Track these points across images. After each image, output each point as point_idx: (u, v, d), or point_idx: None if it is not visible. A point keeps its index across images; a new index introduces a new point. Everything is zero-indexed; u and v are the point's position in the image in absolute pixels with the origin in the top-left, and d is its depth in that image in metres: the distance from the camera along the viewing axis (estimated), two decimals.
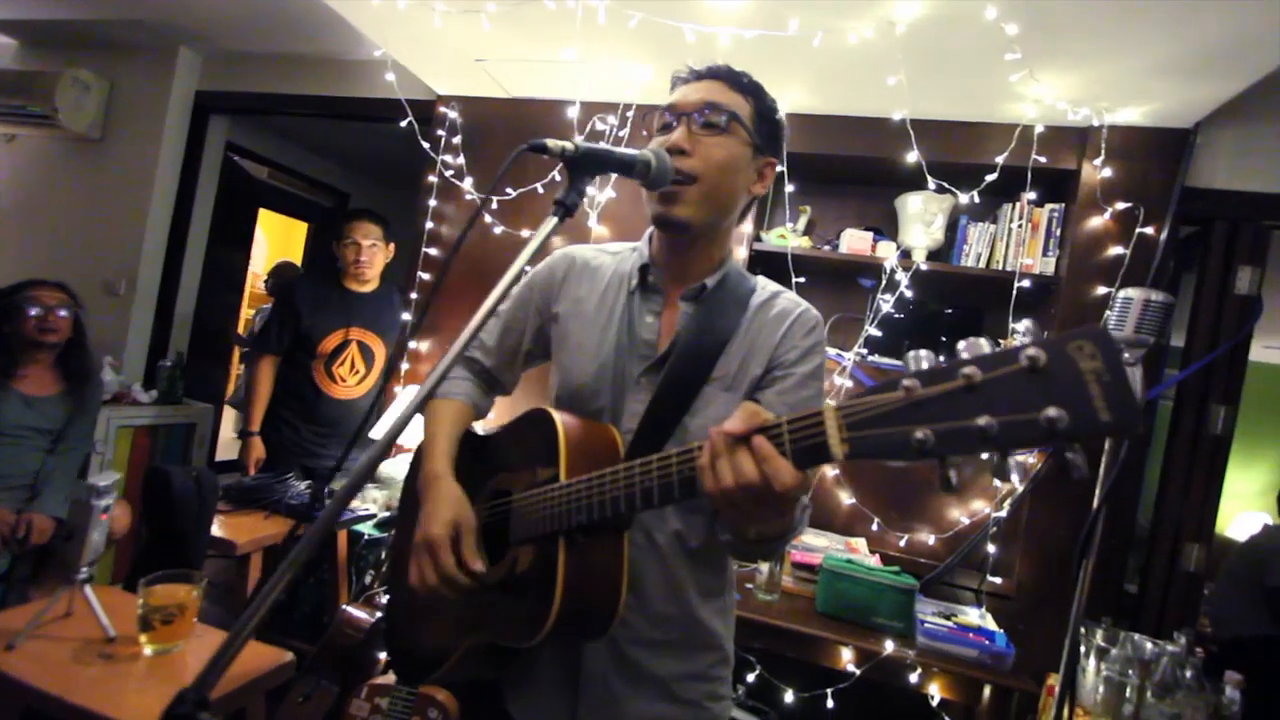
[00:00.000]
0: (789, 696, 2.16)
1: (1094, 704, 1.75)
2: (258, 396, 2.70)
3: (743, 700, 2.24)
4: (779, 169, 1.04)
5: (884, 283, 2.37)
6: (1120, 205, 2.18)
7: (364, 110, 3.17)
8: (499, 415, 1.90)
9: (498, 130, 2.82)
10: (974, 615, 2.08)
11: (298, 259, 5.33)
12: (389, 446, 0.65)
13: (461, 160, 2.81)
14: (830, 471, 2.47)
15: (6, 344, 2.24)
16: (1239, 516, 4.27)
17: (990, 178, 2.23)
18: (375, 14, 2.24)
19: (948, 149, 2.31)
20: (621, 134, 2.59)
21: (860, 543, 2.33)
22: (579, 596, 0.81)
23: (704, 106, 0.93)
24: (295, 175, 4.75)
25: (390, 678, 1.79)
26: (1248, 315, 2.22)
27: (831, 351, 2.41)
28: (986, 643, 1.89)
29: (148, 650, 1.47)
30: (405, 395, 2.71)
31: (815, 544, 2.27)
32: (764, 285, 1.04)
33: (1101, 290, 2.18)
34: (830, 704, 2.08)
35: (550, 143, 0.76)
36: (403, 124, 2.79)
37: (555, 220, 0.77)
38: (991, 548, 2.25)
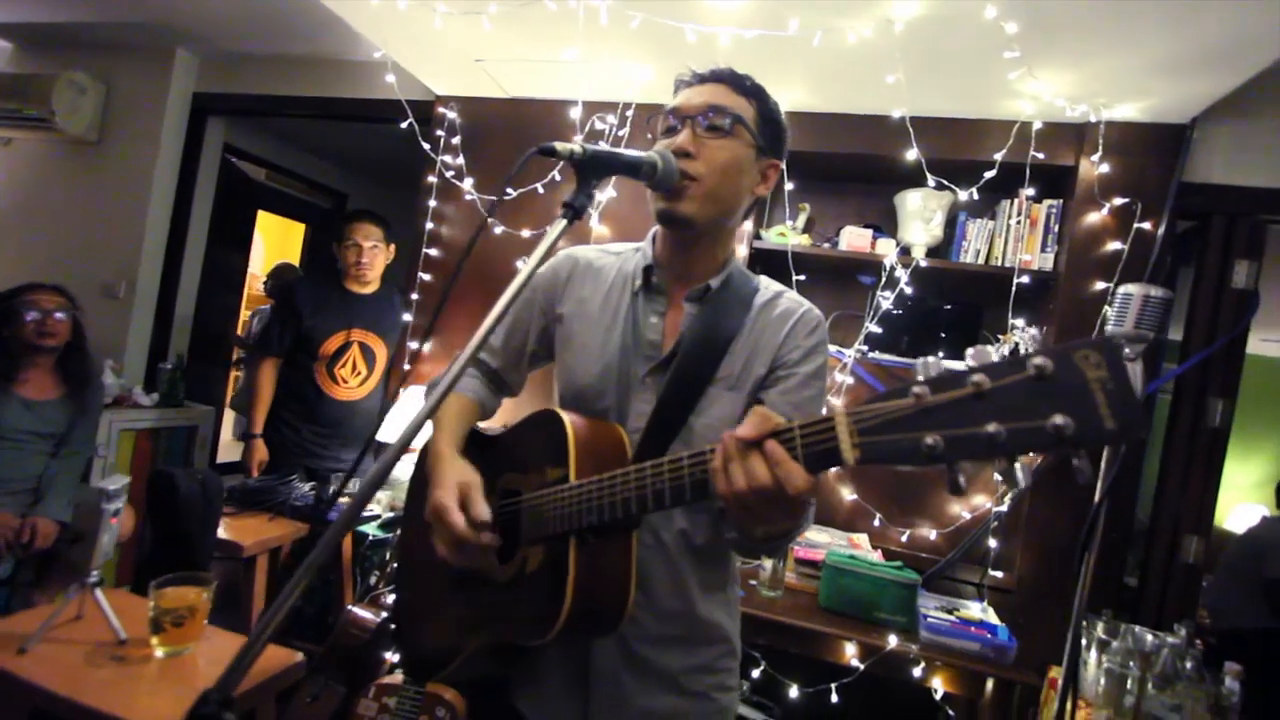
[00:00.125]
0: (793, 692, 2.18)
1: (1095, 696, 1.77)
2: (259, 399, 2.71)
3: (747, 696, 2.25)
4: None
5: (883, 280, 2.38)
6: (1118, 201, 2.19)
7: (362, 111, 3.17)
8: (503, 417, 1.91)
9: (497, 130, 2.83)
10: (976, 609, 2.10)
11: (295, 260, 5.33)
12: (402, 451, 0.66)
13: (461, 161, 2.82)
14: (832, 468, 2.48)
15: (6, 348, 2.24)
16: (1236, 508, 4.30)
17: (989, 174, 2.24)
18: (374, 15, 2.25)
19: (946, 146, 2.32)
20: (621, 133, 2.60)
21: (862, 538, 2.35)
22: (589, 595, 0.82)
23: (708, 109, 0.94)
24: (293, 176, 4.74)
25: (397, 677, 1.81)
26: (1245, 309, 2.23)
27: (832, 349, 2.42)
28: (989, 636, 1.91)
29: (159, 652, 1.49)
30: (408, 396, 2.72)
31: (818, 540, 2.29)
32: (767, 285, 1.05)
33: (1100, 285, 2.19)
34: (834, 699, 2.10)
35: (559, 146, 0.77)
36: (403, 125, 2.79)
37: (564, 223, 0.78)
38: (993, 542, 2.27)
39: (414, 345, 2.86)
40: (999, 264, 2.33)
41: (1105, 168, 2.20)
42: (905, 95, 2.14)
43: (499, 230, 2.74)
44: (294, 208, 5.16)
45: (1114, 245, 2.19)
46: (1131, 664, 1.74)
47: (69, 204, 3.44)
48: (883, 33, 1.87)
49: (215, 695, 0.50)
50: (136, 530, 2.47)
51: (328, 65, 3.21)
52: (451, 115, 2.84)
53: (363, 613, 2.02)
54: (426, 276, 2.86)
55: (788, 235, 2.47)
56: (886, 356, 2.44)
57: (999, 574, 2.26)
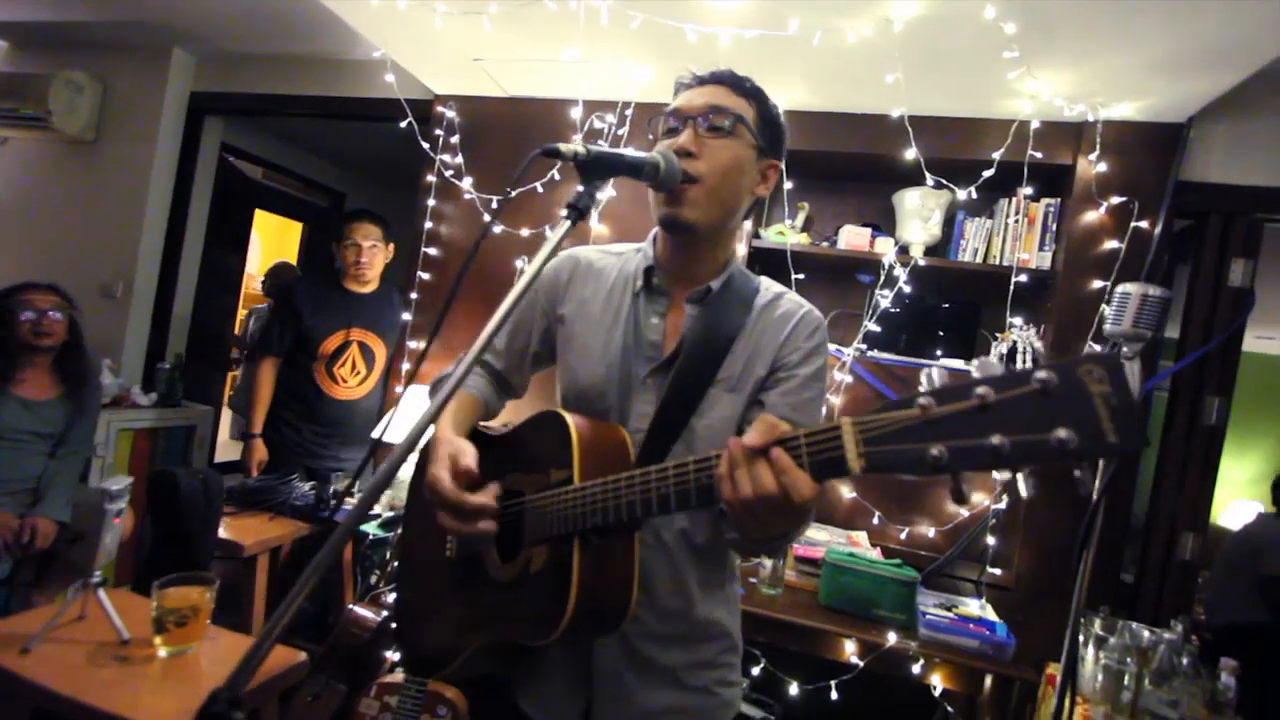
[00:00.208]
0: (793, 689, 2.19)
1: (1093, 692, 1.79)
2: (259, 398, 2.71)
3: (747, 693, 2.27)
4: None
5: (882, 278, 2.39)
6: (1115, 199, 2.20)
7: (361, 110, 3.16)
8: (506, 417, 1.91)
9: (496, 129, 2.82)
10: (974, 606, 2.12)
11: (293, 259, 5.32)
12: (409, 451, 0.66)
13: (460, 160, 2.81)
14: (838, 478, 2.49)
15: (3, 348, 2.23)
16: (1232, 505, 4.33)
17: (987, 173, 2.25)
18: (374, 14, 2.24)
19: (945, 145, 2.32)
20: (620, 132, 2.60)
21: (861, 536, 2.36)
22: (593, 595, 0.83)
23: (709, 110, 0.95)
24: (290, 175, 4.73)
25: (398, 676, 1.82)
26: (1241, 307, 2.25)
27: (831, 347, 2.42)
28: (987, 633, 1.93)
29: (162, 652, 1.49)
30: (408, 395, 2.72)
31: (817, 538, 2.30)
32: (768, 286, 1.06)
33: (1097, 284, 2.20)
34: (834, 695, 2.11)
35: (563, 147, 0.78)
36: (402, 124, 2.78)
37: (568, 224, 0.78)
38: (991, 540, 2.28)
39: (413, 344, 2.86)
40: (997, 263, 2.34)
41: (1103, 167, 2.21)
42: (904, 95, 2.14)
43: (499, 229, 2.75)
44: (291, 207, 5.14)
45: (1111, 244, 2.20)
46: (1128, 660, 1.75)
47: (66, 204, 3.43)
48: (882, 32, 1.88)
49: (224, 694, 0.51)
50: (135, 530, 2.48)
51: (325, 64, 3.20)
52: (450, 114, 2.84)
53: (363, 612, 2.03)
54: (425, 275, 2.86)
55: (786, 234, 2.47)
56: (885, 355, 2.45)
57: (997, 571, 2.27)
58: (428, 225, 2.86)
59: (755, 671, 2.24)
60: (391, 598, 2.24)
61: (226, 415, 4.68)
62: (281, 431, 2.73)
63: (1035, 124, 2.25)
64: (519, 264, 2.74)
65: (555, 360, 1.11)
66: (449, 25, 2.18)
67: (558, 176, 2.71)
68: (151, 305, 3.43)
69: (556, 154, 0.77)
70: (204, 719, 0.50)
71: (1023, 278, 2.27)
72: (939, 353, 2.50)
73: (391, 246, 2.83)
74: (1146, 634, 1.82)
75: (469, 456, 0.88)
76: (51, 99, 3.16)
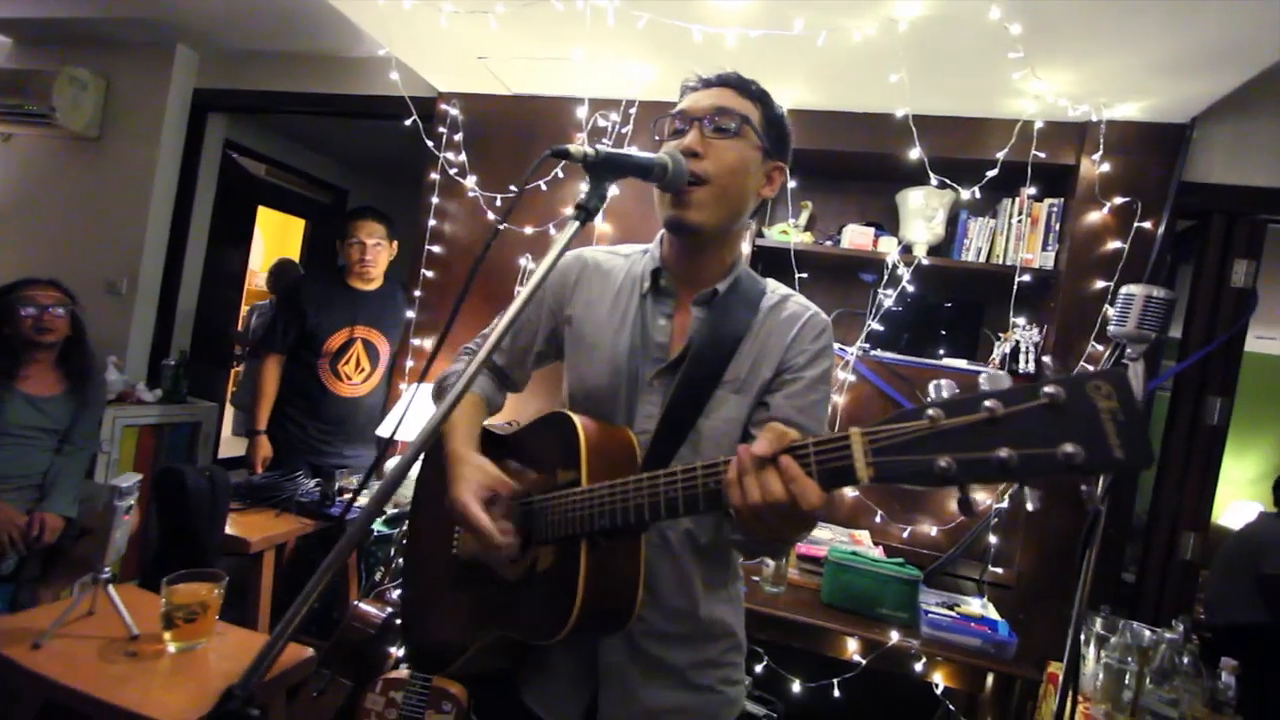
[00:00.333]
0: (796, 687, 2.21)
1: (1094, 690, 1.80)
2: (264, 395, 2.72)
3: (750, 691, 2.28)
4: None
5: (885, 278, 2.40)
6: (1118, 200, 2.21)
7: (364, 108, 3.16)
8: (508, 415, 1.92)
9: (500, 127, 2.83)
10: (976, 605, 2.13)
11: (295, 256, 5.32)
12: (417, 455, 0.67)
13: (463, 158, 2.82)
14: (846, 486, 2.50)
15: (6, 345, 2.24)
16: (1233, 505, 4.33)
17: (991, 173, 2.25)
18: (379, 13, 2.24)
19: (949, 145, 2.32)
20: (624, 131, 2.60)
21: (864, 535, 2.37)
22: (600, 596, 0.83)
23: (715, 112, 0.95)
24: (293, 172, 4.73)
25: (403, 672, 1.83)
26: (1244, 308, 2.25)
27: (834, 346, 2.43)
28: (989, 632, 1.94)
29: (171, 648, 1.51)
30: (411, 392, 2.73)
31: (820, 536, 2.31)
32: (774, 288, 1.07)
33: (1100, 284, 2.21)
34: (837, 693, 2.12)
35: (573, 148, 0.78)
36: (407, 122, 2.79)
37: (576, 225, 0.79)
38: (993, 538, 2.29)
39: (416, 342, 2.87)
40: (1000, 262, 2.34)
41: (1106, 167, 2.21)
42: (908, 94, 2.14)
43: (502, 227, 2.75)
44: (294, 204, 5.14)
45: (1114, 244, 2.21)
46: (1129, 659, 1.76)
47: (70, 200, 3.44)
48: (887, 32, 1.88)
49: (240, 691, 0.52)
50: (140, 526, 2.49)
51: (329, 61, 3.20)
52: (454, 112, 2.84)
53: (368, 608, 2.05)
54: (429, 273, 2.87)
55: (790, 233, 2.48)
56: (888, 354, 2.45)
57: (999, 570, 2.28)
58: (431, 223, 2.86)
59: (758, 669, 2.25)
60: (396, 594, 2.25)
61: (230, 411, 4.69)
62: (286, 428, 2.74)
63: (1039, 124, 2.25)
64: (523, 262, 2.75)
65: (560, 358, 1.11)
66: (454, 24, 2.18)
67: (561, 175, 2.71)
68: (156, 301, 3.44)
69: (566, 155, 0.78)
70: (220, 716, 0.51)
71: (1026, 277, 2.27)
72: (942, 352, 2.51)
73: (395, 244, 2.84)
74: (1147, 633, 1.84)
75: (496, 484, 0.90)
76: (56, 96, 3.17)
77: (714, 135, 0.95)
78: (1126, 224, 2.20)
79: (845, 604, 2.07)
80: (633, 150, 0.87)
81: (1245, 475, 4.44)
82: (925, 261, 2.34)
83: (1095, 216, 2.23)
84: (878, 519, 2.43)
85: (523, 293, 0.75)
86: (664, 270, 1.03)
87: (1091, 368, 2.16)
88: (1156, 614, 2.27)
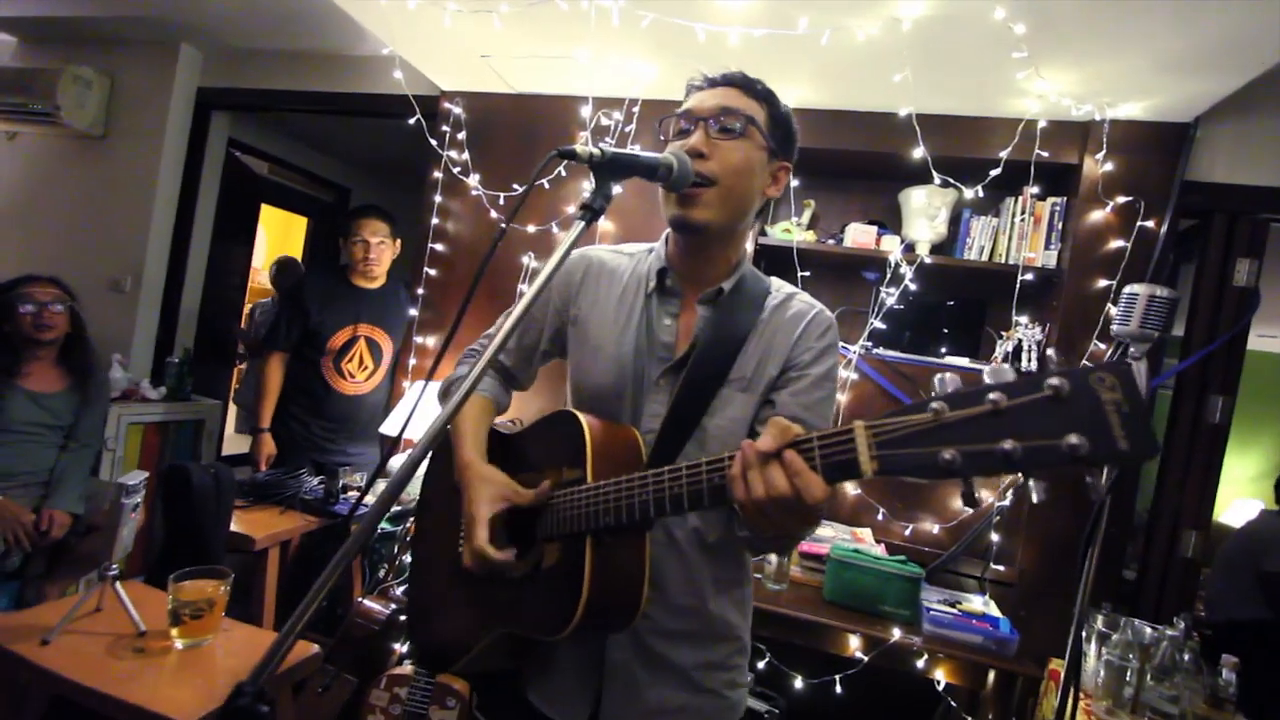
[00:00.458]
0: (798, 683, 2.21)
1: (1095, 687, 1.80)
2: (267, 393, 2.73)
3: (752, 687, 2.29)
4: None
5: (888, 276, 2.40)
6: (1121, 199, 2.21)
7: (368, 106, 3.17)
8: (513, 412, 1.93)
9: (503, 126, 2.83)
10: (978, 602, 2.13)
11: (297, 254, 5.32)
12: (422, 457, 0.67)
13: (466, 156, 2.82)
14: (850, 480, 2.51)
15: (8, 342, 2.24)
16: (1234, 503, 4.33)
17: (994, 172, 2.25)
18: (382, 12, 2.25)
19: (952, 144, 2.33)
20: (628, 130, 2.61)
21: (866, 532, 2.37)
22: (605, 593, 0.84)
23: (720, 112, 0.95)
24: (296, 170, 4.74)
25: (408, 669, 1.84)
26: (1246, 307, 2.25)
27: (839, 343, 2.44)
28: (990, 629, 1.94)
29: (178, 644, 1.51)
30: (414, 390, 2.74)
31: (822, 534, 2.31)
32: (779, 287, 1.07)
33: (1103, 283, 2.21)
34: (838, 690, 2.13)
35: (579, 149, 0.78)
36: (410, 121, 2.79)
37: (582, 225, 0.79)
38: (995, 536, 2.29)
39: (419, 340, 2.88)
40: (1003, 261, 2.35)
41: (1109, 166, 2.21)
42: (912, 93, 2.15)
43: (506, 226, 2.75)
44: (297, 202, 5.15)
45: (1117, 243, 2.21)
46: (1130, 656, 1.77)
47: (74, 199, 3.45)
48: (890, 31, 1.89)
49: (249, 687, 0.52)
50: (146, 523, 2.50)
51: (332, 60, 3.21)
52: (457, 110, 2.85)
53: (372, 605, 2.05)
54: (432, 272, 2.88)
55: (793, 232, 2.48)
56: (890, 352, 2.46)
57: (1001, 568, 2.29)
58: (434, 222, 2.87)
59: (760, 666, 2.26)
60: (399, 591, 2.26)
61: (234, 409, 4.70)
62: (290, 426, 2.75)
63: (1042, 123, 2.25)
64: (525, 260, 2.76)
65: (564, 357, 1.12)
66: (458, 23, 2.19)
67: (564, 174, 2.72)
68: (160, 299, 3.45)
69: (573, 155, 0.78)
70: (230, 712, 0.51)
71: (1028, 276, 2.27)
72: (944, 350, 2.51)
73: (398, 242, 2.85)
74: (1148, 630, 1.84)
75: (511, 495, 0.92)
76: (60, 94, 3.17)
77: (719, 136, 0.95)
78: (1129, 223, 2.20)
79: (847, 601, 2.07)
80: (638, 150, 0.87)
81: (1246, 473, 4.44)
82: (928, 260, 2.34)
83: (1098, 215, 2.24)
84: (880, 517, 2.44)
85: (528, 293, 0.75)
86: (669, 269, 1.03)
87: None
88: (1157, 611, 2.27)
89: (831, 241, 2.54)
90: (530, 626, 0.90)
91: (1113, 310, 1.93)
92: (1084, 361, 2.21)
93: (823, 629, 2.02)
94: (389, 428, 2.74)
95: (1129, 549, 2.43)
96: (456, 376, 1.13)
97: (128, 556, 1.70)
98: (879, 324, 2.43)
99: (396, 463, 2.68)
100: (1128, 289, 1.72)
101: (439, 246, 2.88)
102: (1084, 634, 1.82)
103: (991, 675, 1.94)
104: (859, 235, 2.47)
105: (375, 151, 4.80)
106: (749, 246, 2.46)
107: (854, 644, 2.00)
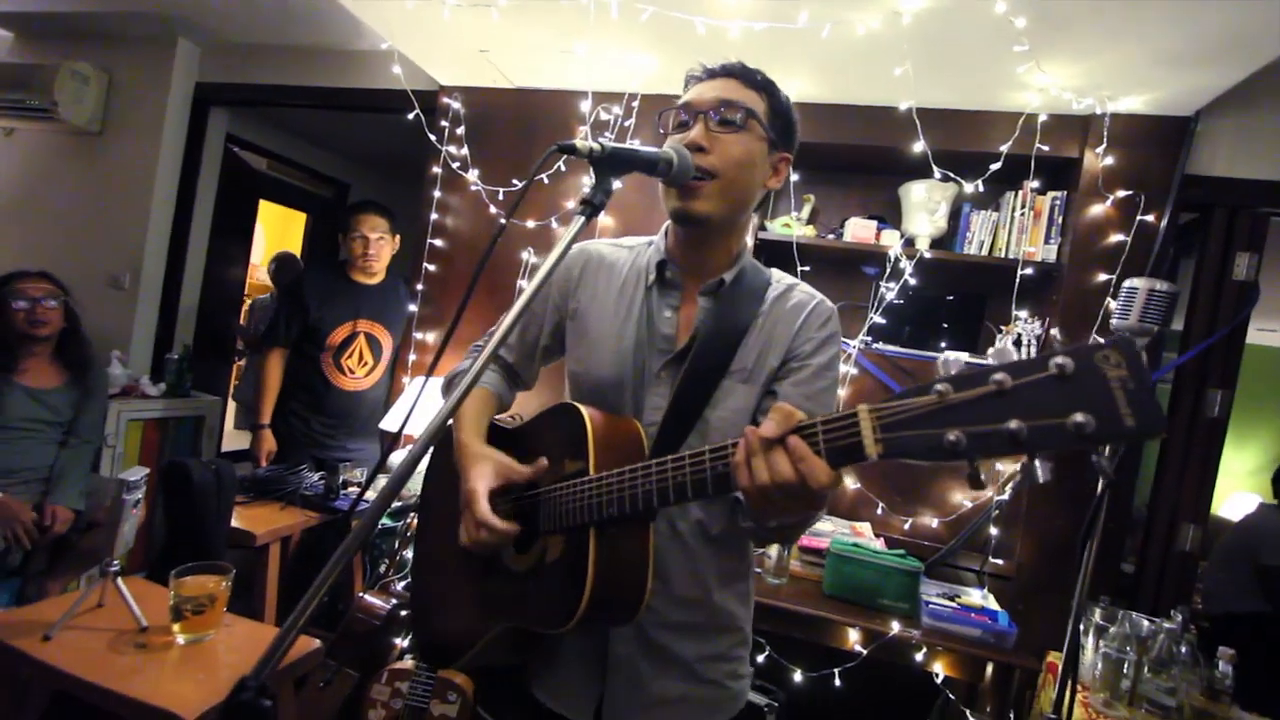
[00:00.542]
0: (798, 676, 2.22)
1: (1093, 680, 1.81)
2: (267, 389, 2.73)
3: (752, 681, 2.29)
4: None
5: (888, 271, 2.40)
6: (1121, 193, 2.21)
7: (366, 101, 3.16)
8: (515, 409, 1.93)
9: (502, 121, 2.83)
10: (977, 596, 2.14)
11: (296, 250, 5.32)
12: (425, 450, 0.67)
13: (465, 151, 2.82)
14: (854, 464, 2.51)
15: (3, 339, 2.23)
16: (1232, 496, 4.34)
17: (994, 166, 2.25)
18: (381, 7, 2.24)
19: (952, 138, 2.33)
20: (627, 124, 2.60)
21: (865, 526, 2.38)
22: (609, 585, 0.84)
23: (720, 104, 0.95)
24: (295, 166, 4.72)
25: (409, 663, 1.84)
26: (1245, 301, 2.26)
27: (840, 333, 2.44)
28: (989, 622, 1.95)
29: (180, 639, 1.51)
30: (413, 386, 2.74)
31: (822, 528, 2.32)
32: (779, 278, 1.07)
33: (1103, 277, 2.21)
34: (838, 683, 2.13)
35: (579, 143, 0.78)
36: (409, 116, 2.79)
37: (582, 220, 0.79)
38: (993, 530, 2.30)
39: (418, 335, 2.87)
40: (1003, 255, 2.35)
41: (1109, 160, 2.21)
42: (912, 87, 2.14)
43: (503, 221, 2.75)
44: (295, 197, 5.14)
45: (1117, 237, 2.21)
46: (1128, 649, 1.77)
47: (72, 195, 3.44)
48: (891, 25, 1.88)
49: (252, 682, 0.52)
50: (147, 519, 2.50)
51: (330, 55, 3.20)
52: (456, 105, 2.84)
53: (373, 600, 2.05)
54: (431, 267, 2.87)
55: (793, 226, 2.48)
56: (890, 347, 2.46)
57: (999, 561, 2.29)
58: (433, 217, 2.87)
59: (760, 659, 2.27)
60: (400, 586, 2.26)
61: (232, 405, 4.70)
62: (290, 422, 2.75)
63: (1042, 117, 2.25)
64: (525, 255, 2.75)
65: (565, 353, 1.12)
66: (457, 17, 2.19)
67: (563, 169, 2.71)
68: (159, 296, 3.44)
69: (572, 150, 0.77)
70: (233, 706, 0.51)
71: (1028, 270, 2.28)
72: (944, 345, 2.51)
73: (398, 238, 2.84)
74: (1146, 623, 1.85)
75: (508, 472, 0.92)
76: (57, 90, 3.16)
77: (719, 128, 0.94)
78: (1129, 217, 2.20)
79: (847, 595, 2.08)
80: (638, 145, 0.87)
81: (1245, 467, 4.45)
82: (928, 254, 2.34)
83: (1098, 210, 2.24)
84: (879, 511, 2.44)
85: (528, 287, 0.75)
86: (669, 262, 1.03)
87: None
88: (1155, 604, 2.28)
89: (831, 236, 2.54)
90: (534, 620, 0.89)
91: (1112, 304, 1.94)
92: None
93: (822, 623, 2.02)
94: (389, 423, 2.74)
95: (1127, 542, 2.44)
96: (460, 370, 1.12)
97: (129, 552, 1.70)
98: (879, 319, 2.43)
99: (397, 458, 2.68)
100: (1127, 283, 1.73)
101: (438, 242, 2.87)
102: (1082, 627, 1.83)
103: (990, 668, 1.95)
104: (859, 230, 2.47)
105: (374, 147, 4.79)
106: (748, 240, 2.46)
107: (853, 637, 2.00)
